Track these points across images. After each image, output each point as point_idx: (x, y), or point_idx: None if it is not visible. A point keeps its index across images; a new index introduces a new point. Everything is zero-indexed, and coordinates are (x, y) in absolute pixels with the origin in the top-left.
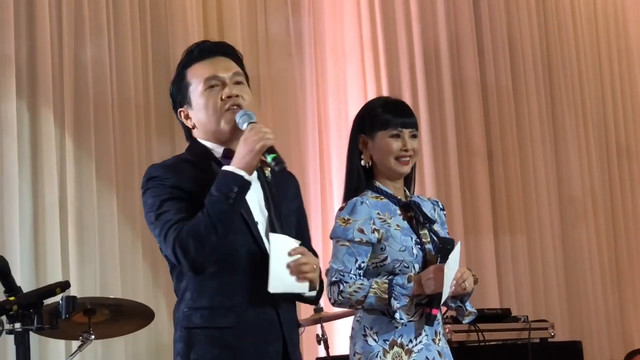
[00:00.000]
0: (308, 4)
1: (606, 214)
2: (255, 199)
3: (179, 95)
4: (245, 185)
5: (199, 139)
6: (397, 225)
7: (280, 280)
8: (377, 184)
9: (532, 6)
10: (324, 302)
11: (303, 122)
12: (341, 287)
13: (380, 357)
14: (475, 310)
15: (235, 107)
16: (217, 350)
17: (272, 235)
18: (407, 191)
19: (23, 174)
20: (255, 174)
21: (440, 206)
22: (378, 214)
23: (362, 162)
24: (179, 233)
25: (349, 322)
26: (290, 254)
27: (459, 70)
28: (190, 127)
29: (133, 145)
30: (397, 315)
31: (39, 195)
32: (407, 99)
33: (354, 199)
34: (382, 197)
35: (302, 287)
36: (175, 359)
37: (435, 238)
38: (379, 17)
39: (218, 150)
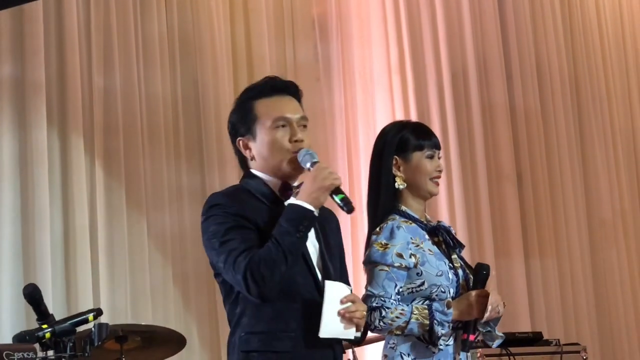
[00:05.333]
0: (336, 30)
1: (636, 236)
2: None
3: (241, 125)
4: (314, 220)
5: (253, 170)
6: (430, 250)
7: (331, 327)
8: (403, 208)
9: (559, 28)
10: None
11: (332, 148)
12: (383, 313)
13: None
14: (503, 335)
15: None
16: None
17: (327, 283)
18: (427, 216)
19: (54, 201)
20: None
21: (453, 231)
22: (411, 238)
23: (397, 184)
24: (251, 260)
25: (379, 346)
26: (342, 301)
27: (488, 93)
28: (249, 157)
29: (163, 172)
30: (440, 342)
31: (70, 222)
32: (435, 123)
33: (389, 223)
34: (410, 221)
35: (350, 334)
36: None
37: (462, 263)
38: (407, 42)
39: (273, 182)
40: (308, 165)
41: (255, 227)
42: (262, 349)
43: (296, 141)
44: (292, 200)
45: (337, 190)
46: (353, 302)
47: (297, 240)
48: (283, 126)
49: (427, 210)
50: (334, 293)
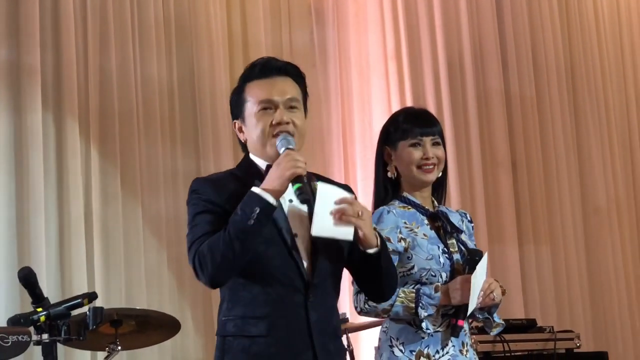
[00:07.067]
0: (332, 16)
1: (631, 224)
2: (296, 212)
3: (236, 108)
4: (268, 208)
5: (250, 153)
6: (424, 235)
7: (322, 225)
8: (405, 194)
9: (555, 16)
10: (349, 312)
11: (328, 134)
12: None
13: None
14: (503, 322)
15: (283, 133)
16: (247, 358)
17: (320, 185)
18: (434, 201)
19: (49, 185)
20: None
21: (468, 218)
22: (405, 223)
23: (388, 174)
24: (200, 247)
25: (374, 332)
26: (336, 202)
27: (483, 81)
28: (242, 140)
29: (158, 156)
30: (423, 325)
31: (65, 206)
32: (431, 110)
33: (381, 208)
34: (410, 206)
35: (346, 233)
36: None
37: (463, 248)
38: (403, 28)
39: (264, 166)
40: (282, 151)
41: (225, 214)
42: (236, 334)
43: (278, 123)
44: (253, 187)
45: (296, 179)
46: (350, 204)
47: (249, 228)
48: (268, 109)
49: (444, 195)
50: (328, 194)
